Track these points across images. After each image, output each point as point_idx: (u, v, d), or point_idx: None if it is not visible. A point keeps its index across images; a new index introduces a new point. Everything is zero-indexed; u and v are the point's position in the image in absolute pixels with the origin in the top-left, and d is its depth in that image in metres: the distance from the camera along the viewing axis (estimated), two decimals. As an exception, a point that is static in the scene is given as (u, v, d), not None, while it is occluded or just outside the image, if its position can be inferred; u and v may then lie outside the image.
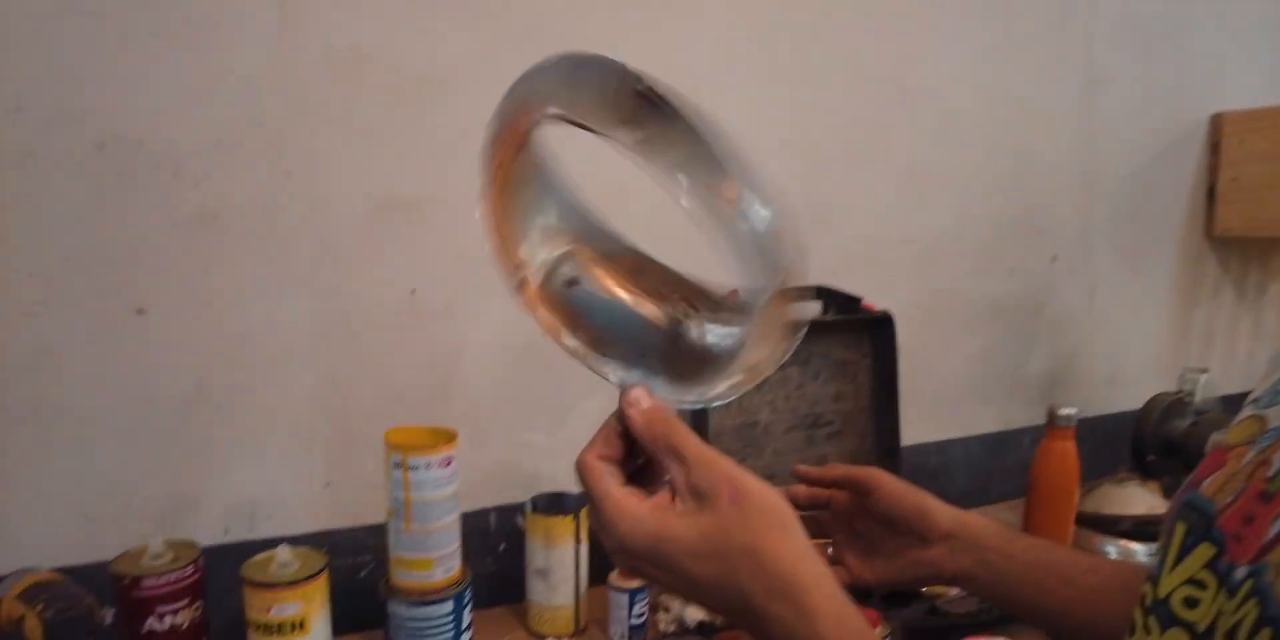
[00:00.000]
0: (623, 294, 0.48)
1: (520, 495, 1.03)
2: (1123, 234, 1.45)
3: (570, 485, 0.96)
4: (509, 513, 1.04)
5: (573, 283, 0.48)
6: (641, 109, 0.45)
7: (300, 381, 0.94)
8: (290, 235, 0.92)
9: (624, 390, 0.48)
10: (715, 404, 0.50)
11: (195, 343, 0.89)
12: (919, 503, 0.63)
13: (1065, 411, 1.08)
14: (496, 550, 1.03)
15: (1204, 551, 0.43)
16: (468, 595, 0.86)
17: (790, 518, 0.44)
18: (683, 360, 0.48)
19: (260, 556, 0.78)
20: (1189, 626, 0.41)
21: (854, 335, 1.23)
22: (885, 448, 1.23)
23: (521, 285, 0.49)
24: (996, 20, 1.29)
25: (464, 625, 0.86)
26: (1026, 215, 1.37)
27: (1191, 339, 1.58)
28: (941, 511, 0.63)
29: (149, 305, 0.87)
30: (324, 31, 0.90)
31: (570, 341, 0.49)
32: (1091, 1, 1.37)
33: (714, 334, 0.47)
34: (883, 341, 1.22)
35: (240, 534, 0.92)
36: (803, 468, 0.68)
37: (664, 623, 0.94)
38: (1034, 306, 1.39)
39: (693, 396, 0.49)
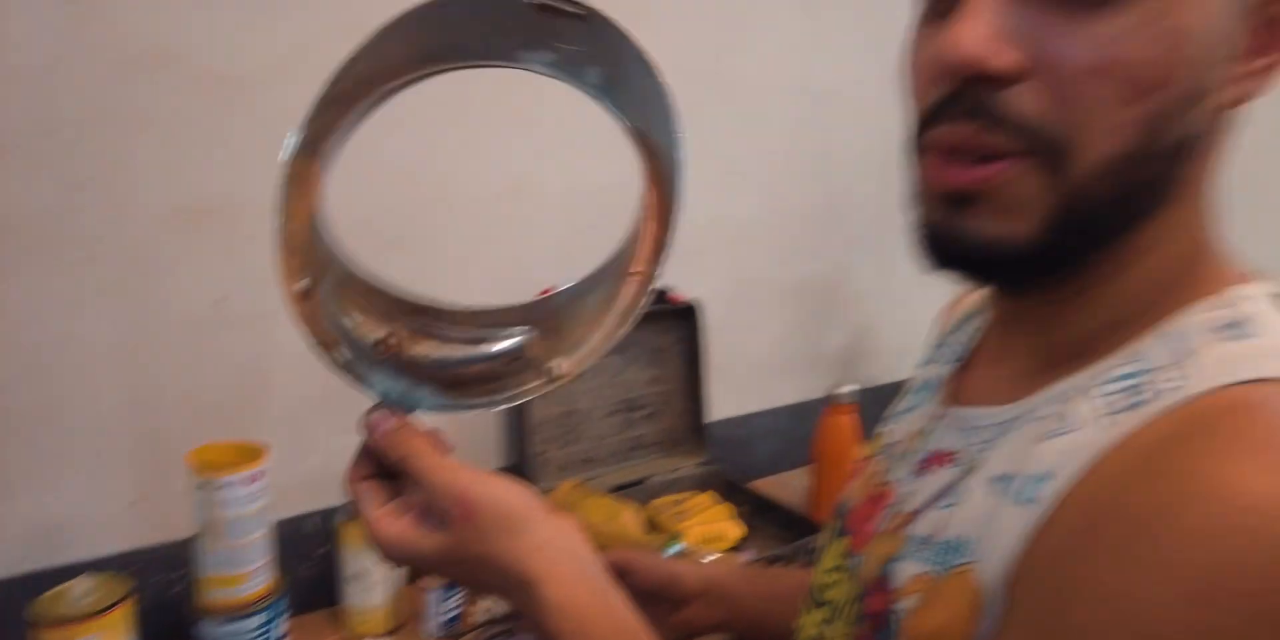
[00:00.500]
0: (355, 316, 0.50)
1: (340, 498, 1.05)
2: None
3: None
4: (330, 516, 1.07)
5: (310, 297, 0.51)
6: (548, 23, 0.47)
7: (103, 397, 0.93)
8: (89, 246, 0.89)
9: (364, 415, 0.51)
10: (503, 407, 0.51)
11: (-18, 364, 0.86)
12: (669, 572, 0.69)
13: (842, 390, 1.22)
14: (316, 555, 1.06)
15: (840, 545, 0.54)
16: (280, 606, 0.90)
17: (520, 518, 0.47)
18: (443, 375, 0.50)
19: (53, 590, 0.78)
20: (829, 604, 0.52)
21: (666, 323, 1.30)
22: (694, 425, 1.33)
23: (299, 297, 0.51)
24: (807, 13, 1.35)
25: (277, 636, 0.89)
26: (829, 203, 1.46)
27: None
28: (689, 574, 0.69)
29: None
30: (120, 29, 0.87)
31: (337, 356, 0.51)
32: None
33: (440, 354, 0.49)
34: (691, 329, 1.30)
35: (40, 561, 0.91)
36: None
37: (477, 613, 1.01)
38: (834, 287, 1.50)
39: (479, 401, 0.51)
